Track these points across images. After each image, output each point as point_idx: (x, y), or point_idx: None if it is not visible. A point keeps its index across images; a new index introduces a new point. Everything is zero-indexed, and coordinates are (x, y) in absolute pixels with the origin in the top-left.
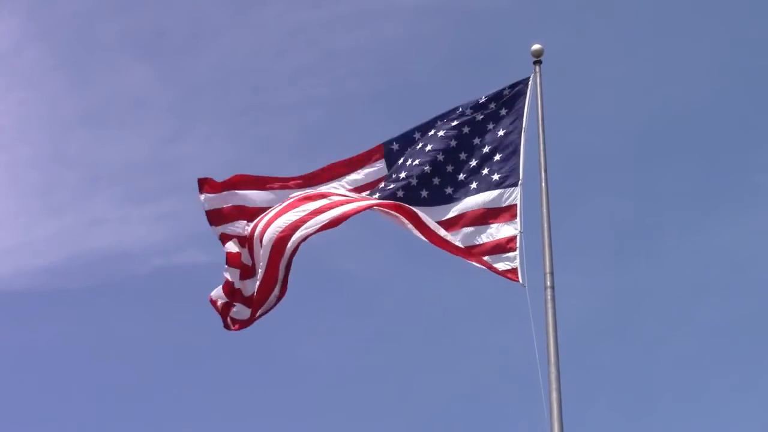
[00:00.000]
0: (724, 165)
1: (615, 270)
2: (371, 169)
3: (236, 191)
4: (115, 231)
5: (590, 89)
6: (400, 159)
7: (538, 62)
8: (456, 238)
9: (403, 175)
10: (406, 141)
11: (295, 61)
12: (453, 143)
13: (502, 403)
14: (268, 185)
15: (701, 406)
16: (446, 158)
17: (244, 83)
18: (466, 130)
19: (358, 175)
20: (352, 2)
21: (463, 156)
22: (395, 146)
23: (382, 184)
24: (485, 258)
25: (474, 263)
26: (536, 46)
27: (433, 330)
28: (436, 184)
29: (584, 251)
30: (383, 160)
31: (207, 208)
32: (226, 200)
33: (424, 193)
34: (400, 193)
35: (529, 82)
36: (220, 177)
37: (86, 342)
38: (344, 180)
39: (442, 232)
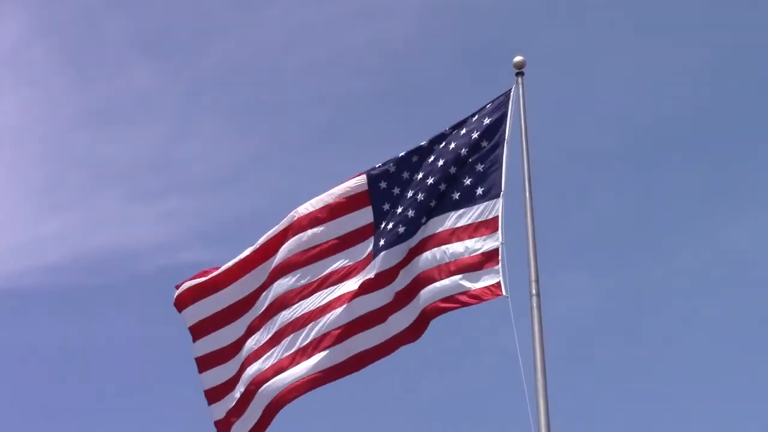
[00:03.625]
0: (728, 163)
1: (618, 269)
2: (356, 217)
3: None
4: (120, 229)
5: (594, 87)
6: (386, 199)
7: (520, 74)
8: (435, 257)
9: (398, 210)
10: (393, 178)
11: (300, 59)
12: (440, 161)
13: (494, 409)
14: (236, 275)
15: (704, 405)
16: (436, 178)
17: (249, 81)
18: (451, 145)
19: (342, 229)
20: (356, 0)
21: (452, 170)
22: (383, 184)
23: (374, 236)
24: (464, 279)
25: (455, 306)
26: (518, 58)
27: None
28: (422, 200)
29: (587, 250)
30: (369, 207)
31: (190, 324)
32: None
33: (423, 219)
34: (401, 229)
35: (511, 94)
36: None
37: (91, 341)
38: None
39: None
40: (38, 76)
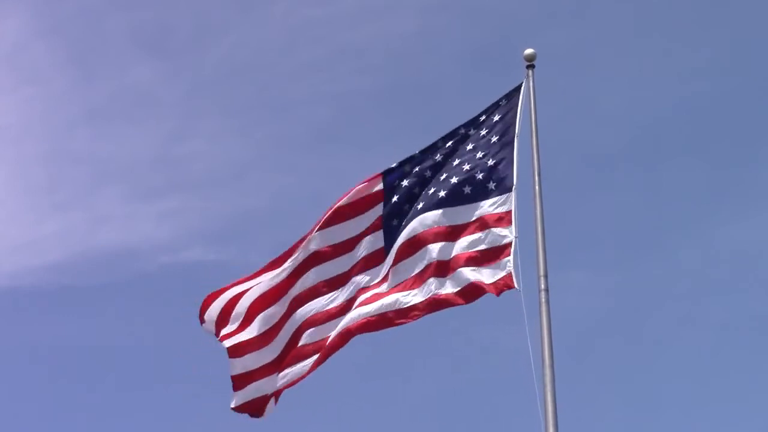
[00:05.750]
0: (730, 161)
1: (621, 267)
2: (369, 215)
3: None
4: (121, 228)
5: (595, 86)
6: (396, 192)
7: (531, 66)
8: (448, 250)
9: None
10: (407, 175)
11: (301, 58)
12: (449, 157)
13: (499, 406)
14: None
15: (707, 405)
16: (443, 171)
17: (250, 80)
18: (462, 143)
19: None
20: None
21: (455, 162)
22: (395, 180)
23: (383, 231)
24: (476, 271)
25: (467, 299)
26: (529, 51)
27: (428, 331)
28: (433, 192)
29: (589, 248)
30: (381, 204)
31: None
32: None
33: (419, 206)
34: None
35: (522, 87)
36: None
37: (92, 340)
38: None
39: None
40: (39, 75)
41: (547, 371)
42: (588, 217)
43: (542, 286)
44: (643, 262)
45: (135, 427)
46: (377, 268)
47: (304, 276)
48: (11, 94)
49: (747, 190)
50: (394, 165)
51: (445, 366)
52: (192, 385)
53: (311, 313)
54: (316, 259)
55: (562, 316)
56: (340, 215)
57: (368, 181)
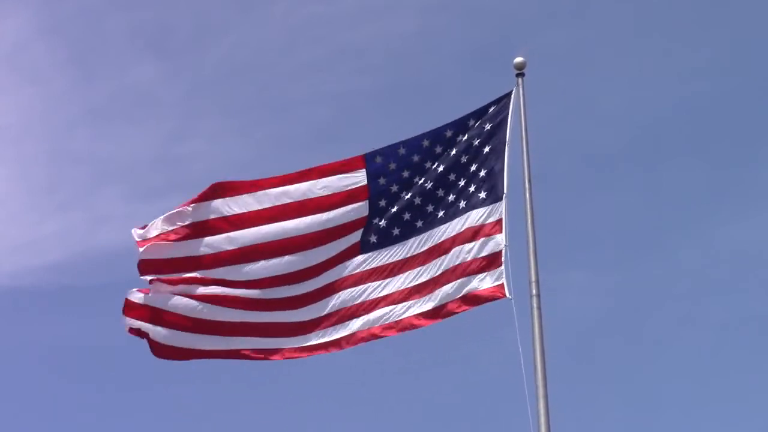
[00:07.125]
0: (730, 161)
1: (621, 267)
2: (352, 210)
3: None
4: (121, 228)
5: (595, 86)
6: (381, 182)
7: (520, 75)
8: (441, 262)
9: (393, 209)
10: (389, 155)
11: (301, 58)
12: (440, 167)
13: (496, 411)
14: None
15: (707, 405)
16: (435, 183)
17: (250, 80)
18: (452, 151)
19: (337, 183)
20: None
21: (451, 177)
22: (378, 159)
23: (366, 226)
24: (468, 281)
25: (457, 311)
26: (518, 59)
27: (422, 335)
28: (430, 211)
29: (589, 248)
30: (364, 172)
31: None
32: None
33: (419, 223)
34: (396, 231)
35: (512, 95)
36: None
37: (93, 340)
38: (320, 185)
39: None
40: (40, 75)
41: (539, 376)
42: (588, 217)
43: (533, 292)
44: (643, 262)
45: (135, 427)
46: (351, 262)
47: (273, 259)
48: (11, 94)
49: (747, 190)
50: (378, 160)
51: (441, 369)
52: (191, 385)
53: (269, 297)
54: (284, 247)
55: (562, 317)
56: (319, 205)
57: (350, 172)
